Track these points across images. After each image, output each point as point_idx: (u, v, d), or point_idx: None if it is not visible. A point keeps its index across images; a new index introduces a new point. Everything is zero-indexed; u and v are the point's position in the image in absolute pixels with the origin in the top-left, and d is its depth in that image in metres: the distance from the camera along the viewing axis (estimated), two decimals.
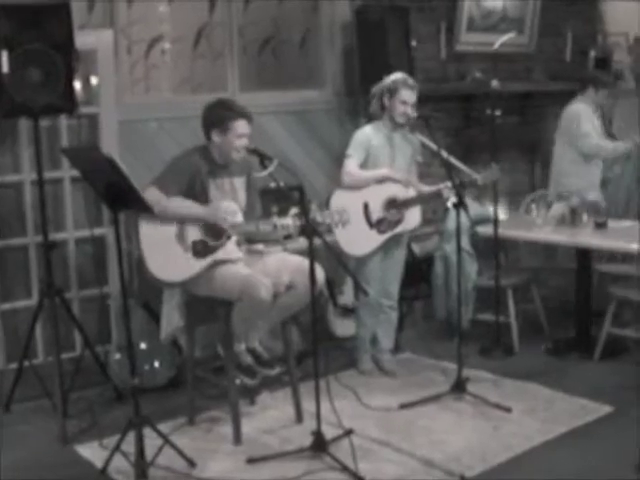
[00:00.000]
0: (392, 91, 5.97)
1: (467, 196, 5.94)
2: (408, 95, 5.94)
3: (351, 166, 5.97)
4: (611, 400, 5.62)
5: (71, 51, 5.42)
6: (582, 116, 7.24)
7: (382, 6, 7.44)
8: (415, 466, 4.86)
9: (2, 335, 6.07)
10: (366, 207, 6.00)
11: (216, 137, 5.20)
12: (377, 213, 6.05)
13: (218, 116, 5.21)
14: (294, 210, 4.98)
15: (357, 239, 5.99)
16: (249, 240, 5.41)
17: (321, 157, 7.48)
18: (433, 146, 6.14)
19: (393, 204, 6.07)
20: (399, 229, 6.15)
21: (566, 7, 9.26)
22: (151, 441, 4.73)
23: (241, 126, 5.17)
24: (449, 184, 5.87)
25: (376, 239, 6.07)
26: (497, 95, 7.00)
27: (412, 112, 5.95)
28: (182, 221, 5.12)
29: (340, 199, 5.84)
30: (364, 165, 6.01)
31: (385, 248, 6.16)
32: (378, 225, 6.06)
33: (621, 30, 10.08)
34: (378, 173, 5.99)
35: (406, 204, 6.10)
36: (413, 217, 6.20)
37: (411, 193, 6.10)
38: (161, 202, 4.93)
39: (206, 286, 5.16)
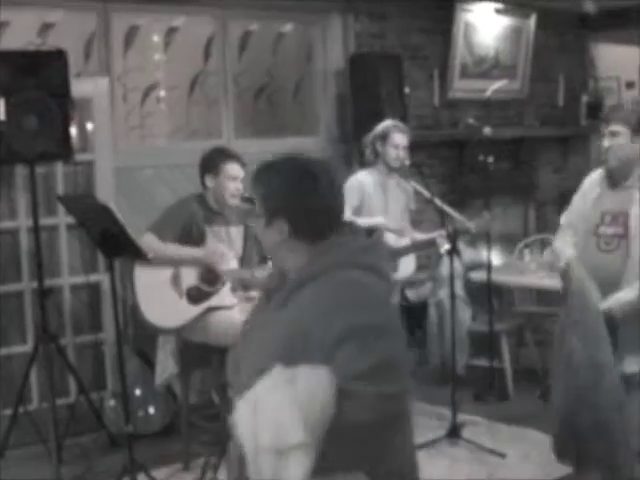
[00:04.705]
0: (384, 137, 6.02)
1: (461, 242, 5.96)
2: (400, 138, 5.99)
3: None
4: None
5: (67, 99, 5.46)
6: None
7: (375, 54, 7.52)
8: None
9: None
10: None
11: (210, 182, 5.25)
12: None
13: (210, 161, 5.29)
14: None
15: None
16: (244, 287, 5.43)
17: None
18: (427, 193, 6.18)
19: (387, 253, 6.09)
20: (393, 277, 6.15)
21: (558, 53, 9.37)
22: None
23: (232, 168, 5.23)
24: (443, 232, 5.90)
25: None
26: (490, 141, 7.06)
27: (405, 156, 6.00)
28: (178, 264, 5.14)
29: None
30: (358, 212, 6.03)
31: None
32: None
33: (612, 74, 10.18)
34: (372, 221, 6.02)
35: (400, 253, 6.12)
36: (407, 265, 6.21)
37: (405, 242, 6.12)
38: (157, 247, 4.94)
39: (201, 332, 5.17)
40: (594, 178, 4.65)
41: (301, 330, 2.44)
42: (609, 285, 4.34)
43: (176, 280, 5.16)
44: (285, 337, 2.48)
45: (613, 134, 4.41)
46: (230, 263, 5.27)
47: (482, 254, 7.23)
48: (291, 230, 2.58)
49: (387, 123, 6.10)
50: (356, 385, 2.32)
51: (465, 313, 6.95)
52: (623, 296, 4.32)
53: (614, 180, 4.51)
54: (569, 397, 4.46)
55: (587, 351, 4.31)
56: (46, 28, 6.28)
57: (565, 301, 4.56)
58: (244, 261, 5.37)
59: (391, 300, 2.66)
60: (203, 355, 5.27)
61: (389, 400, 2.37)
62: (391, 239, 6.08)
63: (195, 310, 5.16)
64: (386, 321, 2.50)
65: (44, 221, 5.86)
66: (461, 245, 6.05)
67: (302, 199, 2.56)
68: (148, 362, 5.99)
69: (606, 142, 4.45)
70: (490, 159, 6.88)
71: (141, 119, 6.97)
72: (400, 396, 2.43)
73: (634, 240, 4.30)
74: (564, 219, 4.82)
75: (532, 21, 8.83)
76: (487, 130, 7.05)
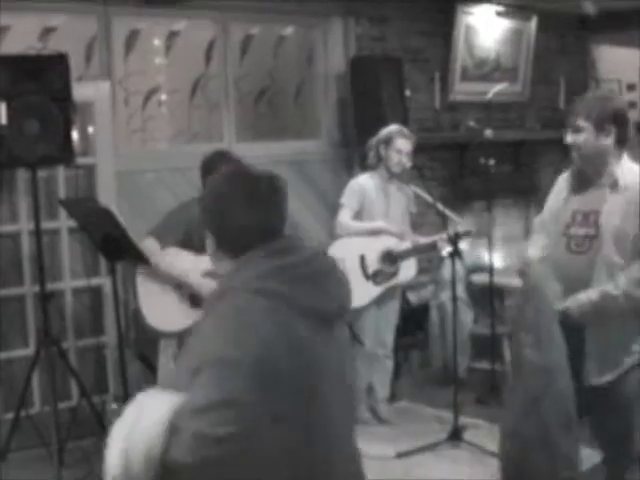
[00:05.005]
0: (388, 141, 6.02)
1: (465, 243, 5.98)
2: (403, 144, 5.99)
3: (343, 216, 6.00)
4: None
5: (69, 102, 5.47)
6: None
7: (376, 57, 7.52)
8: None
9: None
10: (362, 259, 6.02)
11: None
12: (373, 266, 6.07)
13: (211, 164, 5.28)
14: None
15: (353, 291, 5.98)
16: None
17: (317, 207, 7.49)
18: (427, 197, 6.18)
19: (389, 256, 6.09)
20: (395, 281, 6.16)
21: (558, 55, 9.36)
22: None
23: None
24: (444, 236, 5.90)
25: (372, 291, 6.08)
26: (491, 144, 7.06)
27: (407, 161, 6.00)
28: (171, 280, 5.14)
29: (337, 251, 5.86)
30: (359, 215, 6.04)
31: (379, 299, 6.17)
32: (374, 277, 6.07)
33: (613, 77, 10.18)
34: (373, 225, 6.02)
35: (402, 256, 6.12)
36: (409, 269, 6.22)
37: (406, 245, 6.13)
38: (155, 256, 4.94)
39: None
40: (567, 176, 4.54)
41: (185, 354, 2.39)
42: (578, 287, 4.21)
43: (178, 284, 5.15)
44: (178, 360, 2.43)
45: (577, 129, 4.26)
46: None
47: (484, 257, 7.23)
48: (216, 243, 2.60)
49: (392, 128, 6.10)
50: (184, 422, 2.18)
51: (467, 316, 6.96)
52: (583, 296, 4.19)
53: (584, 178, 4.37)
54: (518, 403, 4.32)
55: (538, 353, 4.18)
56: (47, 32, 6.29)
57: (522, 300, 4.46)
58: None
59: (294, 332, 2.40)
60: None
61: (217, 443, 2.16)
62: (393, 243, 6.09)
63: (197, 314, 5.16)
64: (254, 357, 2.26)
65: (46, 225, 5.86)
66: (464, 247, 6.05)
67: (223, 214, 2.53)
68: (150, 366, 5.99)
69: (568, 138, 4.29)
70: (491, 162, 6.89)
71: (142, 123, 6.97)
72: (235, 439, 2.18)
73: (605, 236, 4.21)
74: (537, 219, 4.70)
75: (533, 23, 8.83)
76: (488, 133, 7.06)
